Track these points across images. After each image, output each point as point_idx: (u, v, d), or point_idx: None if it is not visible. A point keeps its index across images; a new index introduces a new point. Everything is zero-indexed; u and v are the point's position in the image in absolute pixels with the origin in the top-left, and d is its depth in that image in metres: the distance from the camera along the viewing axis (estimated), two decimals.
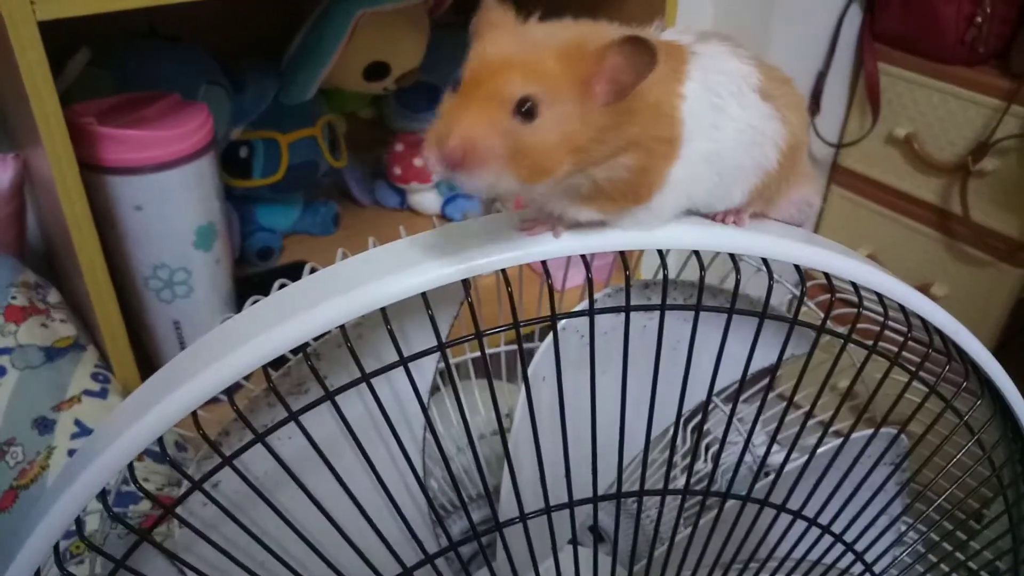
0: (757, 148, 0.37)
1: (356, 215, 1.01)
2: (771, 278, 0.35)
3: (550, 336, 0.35)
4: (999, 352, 1.44)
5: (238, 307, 0.76)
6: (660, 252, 0.35)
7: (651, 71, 0.30)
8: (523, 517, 0.39)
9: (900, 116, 1.37)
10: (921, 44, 1.31)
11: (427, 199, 1.00)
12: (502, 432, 0.34)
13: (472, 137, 0.30)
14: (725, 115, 0.35)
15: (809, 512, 0.42)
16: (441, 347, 0.35)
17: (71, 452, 0.55)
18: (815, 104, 1.38)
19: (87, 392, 0.59)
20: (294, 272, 0.90)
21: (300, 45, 0.82)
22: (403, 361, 0.35)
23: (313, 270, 0.43)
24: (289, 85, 0.84)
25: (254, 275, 0.89)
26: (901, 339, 0.38)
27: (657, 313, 0.35)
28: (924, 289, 1.41)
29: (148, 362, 0.72)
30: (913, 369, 0.39)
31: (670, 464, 0.39)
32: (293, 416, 0.35)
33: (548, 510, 0.38)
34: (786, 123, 0.38)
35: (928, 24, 1.28)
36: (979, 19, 1.24)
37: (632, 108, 0.31)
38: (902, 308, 0.39)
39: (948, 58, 1.28)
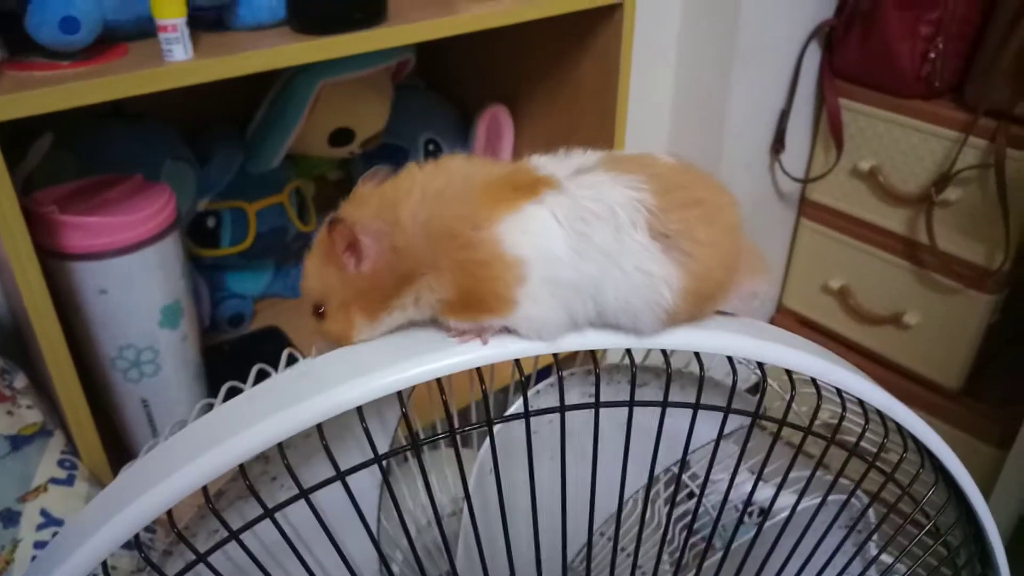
0: (647, 290, 0.36)
1: None
2: (702, 369, 0.36)
3: (500, 428, 0.36)
4: (973, 378, 1.45)
5: (208, 379, 0.77)
6: (555, 356, 0.37)
7: (351, 239, 0.37)
8: None
9: (863, 150, 1.40)
10: (879, 79, 1.34)
11: None
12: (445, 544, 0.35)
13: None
14: (592, 245, 0.35)
15: None
16: (377, 459, 0.35)
17: (37, 544, 0.55)
18: (779, 142, 1.40)
19: (54, 480, 0.59)
20: (266, 338, 0.91)
21: (264, 116, 0.84)
22: (340, 476, 0.35)
23: (291, 358, 0.44)
24: (254, 155, 0.85)
25: (225, 343, 0.90)
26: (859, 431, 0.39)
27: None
28: (897, 318, 1.43)
29: (117, 442, 0.72)
30: (869, 460, 0.39)
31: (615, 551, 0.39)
32: (269, 513, 0.35)
33: None
34: (686, 264, 0.36)
35: (885, 60, 1.31)
36: (932, 55, 1.27)
37: (399, 250, 0.37)
38: (860, 402, 0.40)
39: (906, 92, 1.31)
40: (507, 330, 0.36)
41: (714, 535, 0.40)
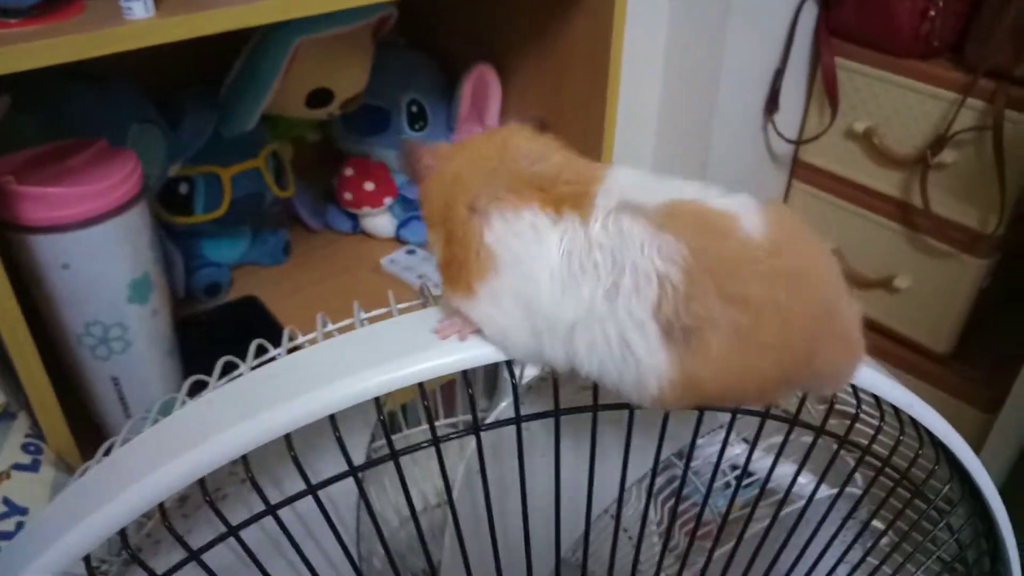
0: (627, 367, 0.32)
1: (308, 242, 0.99)
2: None
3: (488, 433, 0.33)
4: (963, 342, 1.45)
5: (182, 353, 0.74)
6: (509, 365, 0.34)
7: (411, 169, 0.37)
8: None
9: (859, 111, 1.36)
10: (877, 38, 1.30)
11: (380, 223, 0.98)
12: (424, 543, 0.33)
13: None
14: (576, 291, 0.32)
15: None
16: (352, 471, 0.33)
17: (1, 534, 0.53)
18: (773, 102, 1.37)
19: (17, 466, 0.56)
20: (243, 308, 0.88)
21: (237, 76, 0.79)
22: (311, 490, 0.33)
23: (261, 349, 0.41)
24: (228, 117, 0.81)
25: (202, 313, 0.86)
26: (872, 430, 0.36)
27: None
28: (887, 282, 1.41)
29: (88, 422, 0.69)
30: (880, 462, 0.37)
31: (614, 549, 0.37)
32: (195, 556, 0.33)
33: None
34: (688, 363, 0.31)
35: (883, 18, 1.27)
36: (932, 12, 1.23)
37: (429, 192, 0.37)
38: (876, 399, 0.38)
39: (903, 52, 1.28)
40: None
41: (723, 530, 0.38)
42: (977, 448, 1.33)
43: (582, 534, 0.39)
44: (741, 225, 0.31)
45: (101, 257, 0.61)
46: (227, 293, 0.90)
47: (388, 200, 0.95)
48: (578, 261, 0.32)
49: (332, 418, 0.30)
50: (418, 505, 0.50)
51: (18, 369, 0.56)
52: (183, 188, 0.82)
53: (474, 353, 0.31)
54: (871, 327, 1.47)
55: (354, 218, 0.99)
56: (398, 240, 0.99)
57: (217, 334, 0.83)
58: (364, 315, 0.37)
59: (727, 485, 0.63)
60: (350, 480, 0.39)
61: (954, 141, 1.25)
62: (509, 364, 0.32)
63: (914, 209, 1.34)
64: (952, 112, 1.24)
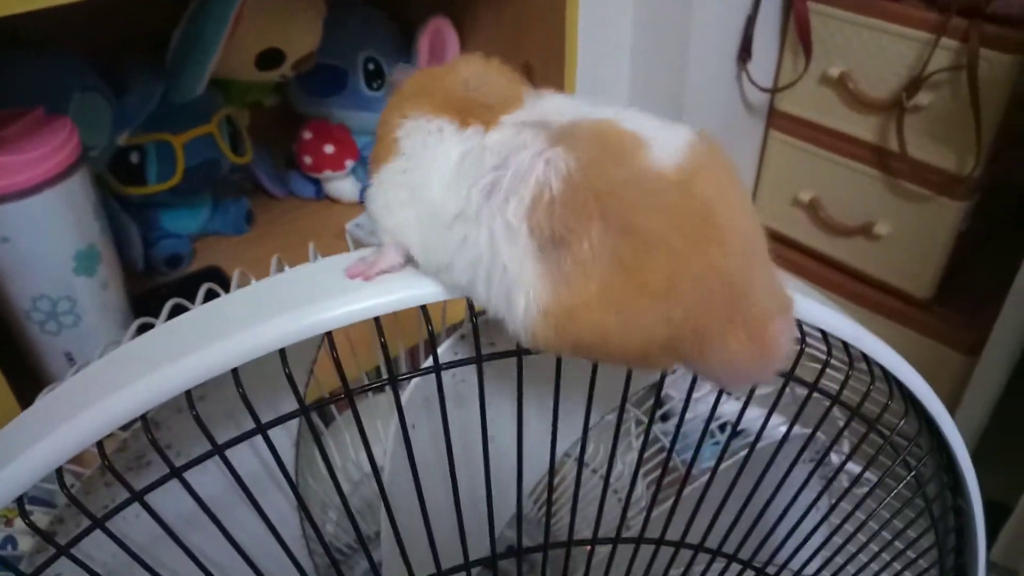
0: (500, 284, 0.30)
1: (270, 210, 0.97)
2: None
3: (412, 384, 0.32)
4: (943, 286, 1.44)
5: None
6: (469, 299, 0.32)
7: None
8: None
9: (833, 55, 1.34)
10: None
11: (344, 187, 0.96)
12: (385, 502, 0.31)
13: None
14: (462, 185, 0.31)
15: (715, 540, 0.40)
16: (304, 410, 0.31)
17: None
18: (746, 50, 1.34)
19: None
20: (205, 279, 0.85)
21: (181, 38, 0.77)
22: (261, 429, 0.31)
23: (210, 293, 0.39)
24: (175, 82, 0.78)
25: (163, 285, 0.84)
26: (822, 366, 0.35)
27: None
28: (867, 229, 1.40)
29: None
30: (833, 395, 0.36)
31: (548, 513, 0.36)
32: (137, 496, 0.31)
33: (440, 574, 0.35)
34: (556, 285, 0.29)
35: None
36: None
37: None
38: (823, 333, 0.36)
39: None
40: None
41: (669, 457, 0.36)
42: (960, 391, 1.33)
43: (533, 486, 0.38)
44: (649, 152, 0.29)
45: (42, 229, 0.59)
46: (189, 264, 0.88)
47: (350, 163, 0.93)
48: (470, 160, 0.31)
49: (282, 352, 0.28)
50: (355, 475, 0.49)
51: None
52: (134, 157, 0.80)
53: (388, 299, 0.29)
54: (851, 275, 1.47)
55: (317, 183, 0.97)
56: (363, 204, 0.96)
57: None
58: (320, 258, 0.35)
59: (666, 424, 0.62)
60: (286, 444, 0.37)
61: (929, 83, 1.23)
62: (424, 308, 0.30)
63: (891, 154, 1.32)
64: (926, 53, 1.22)
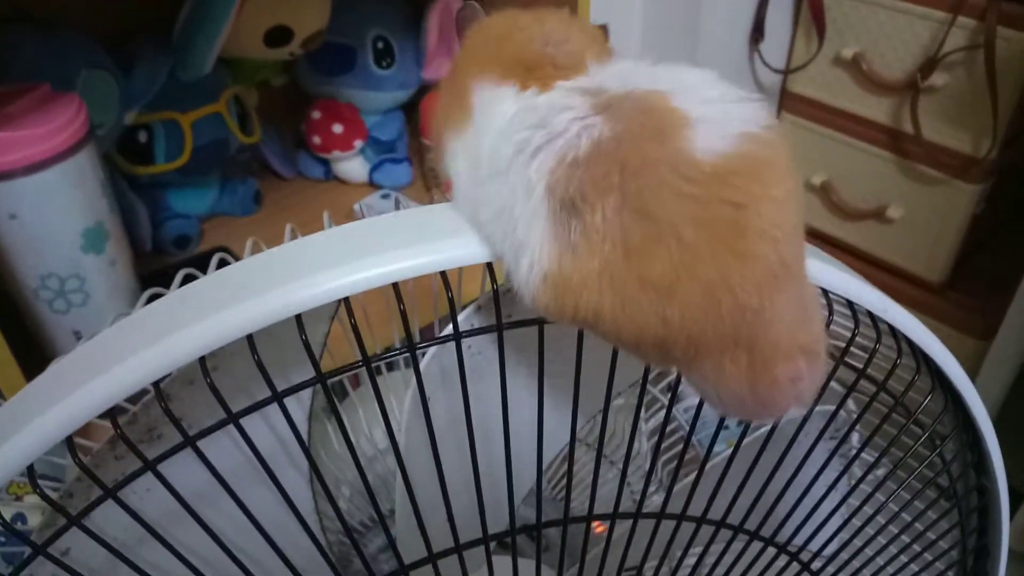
0: (511, 243, 0.30)
1: (279, 190, 0.96)
2: None
3: (429, 355, 0.31)
4: (957, 270, 1.42)
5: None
6: (489, 265, 0.31)
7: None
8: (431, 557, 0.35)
9: (846, 36, 1.32)
10: None
11: (352, 167, 0.95)
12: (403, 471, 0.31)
13: None
14: (502, 140, 0.30)
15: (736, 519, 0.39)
16: (321, 379, 0.30)
17: None
18: (758, 31, 1.33)
19: None
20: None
21: (189, 15, 0.76)
22: (277, 397, 0.30)
23: (222, 263, 0.38)
24: (183, 60, 0.77)
25: (171, 266, 0.84)
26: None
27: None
28: (880, 212, 1.38)
29: None
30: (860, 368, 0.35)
31: (569, 489, 0.35)
32: (150, 465, 0.31)
33: (459, 548, 0.34)
34: (563, 251, 0.28)
35: None
36: None
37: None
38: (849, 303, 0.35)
39: None
40: None
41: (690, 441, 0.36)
42: (973, 376, 1.31)
43: (549, 462, 0.38)
44: (692, 134, 0.27)
45: (50, 205, 0.59)
46: (197, 245, 0.87)
47: (358, 143, 0.92)
48: (516, 120, 0.30)
49: (250, 339, 0.27)
50: (369, 450, 0.48)
51: None
52: (142, 136, 0.79)
53: (404, 265, 0.28)
54: (864, 259, 1.45)
55: (326, 164, 0.96)
56: (372, 185, 0.96)
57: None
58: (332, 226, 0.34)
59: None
60: (300, 418, 0.37)
61: (945, 63, 1.21)
62: (445, 276, 0.30)
63: (905, 136, 1.31)
64: (942, 32, 1.20)
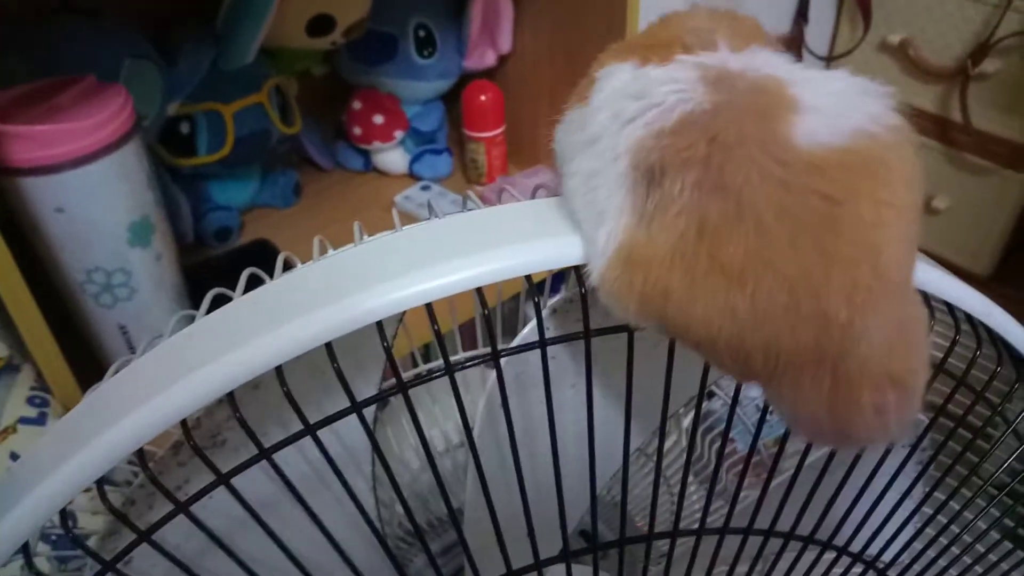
0: (587, 212, 0.29)
1: (319, 181, 0.95)
2: None
3: (504, 359, 0.30)
4: (1004, 263, 1.39)
5: (191, 300, 0.71)
6: (576, 270, 0.29)
7: None
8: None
9: (893, 21, 1.29)
10: None
11: (392, 158, 0.94)
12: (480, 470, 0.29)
13: None
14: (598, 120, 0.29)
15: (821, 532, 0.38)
16: (403, 388, 0.29)
17: None
18: (802, 16, 1.29)
19: (24, 420, 0.54)
20: (255, 252, 0.84)
21: (233, 3, 0.75)
22: (357, 407, 0.29)
23: (288, 264, 0.37)
24: (226, 50, 0.77)
25: (212, 258, 0.83)
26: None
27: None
28: (926, 203, 1.35)
29: (99, 372, 0.66)
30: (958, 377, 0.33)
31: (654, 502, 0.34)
32: (224, 479, 0.30)
33: (538, 565, 0.33)
34: (636, 225, 0.26)
35: None
36: None
37: None
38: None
39: None
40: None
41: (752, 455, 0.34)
42: None
43: (614, 473, 0.36)
44: (799, 120, 0.25)
45: (96, 198, 0.58)
46: (238, 237, 0.86)
47: (399, 133, 0.91)
48: (622, 89, 0.28)
49: (329, 347, 0.26)
50: (439, 445, 0.47)
51: (15, 319, 0.53)
52: (184, 127, 0.78)
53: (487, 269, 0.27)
54: None
55: (366, 155, 0.95)
56: (412, 176, 0.94)
57: (229, 280, 0.80)
58: (367, 237, 0.33)
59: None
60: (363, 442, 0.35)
61: (998, 48, 1.18)
62: (531, 280, 0.28)
63: (953, 125, 1.27)
64: (996, 16, 1.16)
